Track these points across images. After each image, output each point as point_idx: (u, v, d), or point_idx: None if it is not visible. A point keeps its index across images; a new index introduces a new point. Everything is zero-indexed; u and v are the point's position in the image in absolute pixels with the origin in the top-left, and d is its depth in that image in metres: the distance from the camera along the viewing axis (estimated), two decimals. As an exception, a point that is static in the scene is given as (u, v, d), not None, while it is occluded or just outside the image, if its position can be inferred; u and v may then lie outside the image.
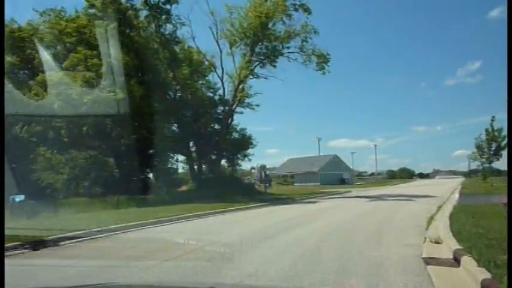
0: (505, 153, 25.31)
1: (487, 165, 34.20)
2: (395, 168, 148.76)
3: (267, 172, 68.53)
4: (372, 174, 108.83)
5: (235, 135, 27.88)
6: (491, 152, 25.61)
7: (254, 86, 28.99)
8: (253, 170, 71.97)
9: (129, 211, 14.16)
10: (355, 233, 8.39)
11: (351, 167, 79.33)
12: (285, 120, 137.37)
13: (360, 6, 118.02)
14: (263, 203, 18.43)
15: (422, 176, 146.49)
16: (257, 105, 27.82)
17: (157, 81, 24.07)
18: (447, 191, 28.29)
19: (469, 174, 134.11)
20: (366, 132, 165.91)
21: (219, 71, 26.51)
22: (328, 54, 24.55)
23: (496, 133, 24.94)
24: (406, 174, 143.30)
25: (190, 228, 10.58)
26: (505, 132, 24.82)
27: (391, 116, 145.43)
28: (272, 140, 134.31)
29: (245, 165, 51.41)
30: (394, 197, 22.10)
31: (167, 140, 24.96)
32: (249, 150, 28.89)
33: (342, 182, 64.41)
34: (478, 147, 26.31)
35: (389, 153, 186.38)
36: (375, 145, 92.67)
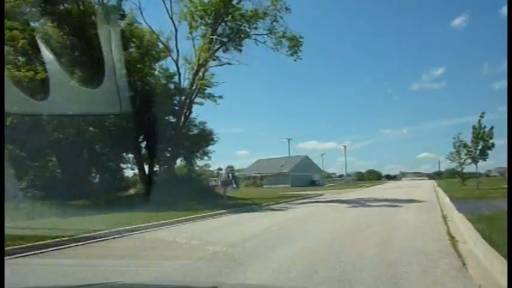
0: (491, 153, 22.89)
1: (465, 166, 32.13)
2: (363, 170, 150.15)
3: (235, 173, 64.99)
4: (341, 176, 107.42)
5: (194, 130, 23.82)
6: (477, 152, 23.08)
7: (219, 78, 25.22)
8: (220, 171, 68.20)
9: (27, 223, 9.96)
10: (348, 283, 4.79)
11: (322, 169, 77.02)
12: (255, 122, 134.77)
13: (330, 12, 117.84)
14: (222, 211, 14.65)
15: (389, 177, 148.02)
16: (220, 97, 23.96)
17: (99, 64, 19.83)
18: (428, 194, 25.59)
19: (433, 176, 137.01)
20: (335, 134, 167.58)
21: (175, 55, 22.50)
22: (301, 37, 21.13)
23: (484, 131, 22.42)
24: (373, 176, 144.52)
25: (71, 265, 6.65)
26: (494, 130, 22.42)
27: (359, 119, 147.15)
28: (242, 141, 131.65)
29: (209, 164, 47.49)
30: (374, 201, 18.93)
31: (110, 134, 20.66)
32: (210, 147, 24.83)
33: (313, 183, 61.62)
34: (463, 146, 23.68)
35: (356, 155, 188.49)
36: (345, 146, 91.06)
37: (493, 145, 22.33)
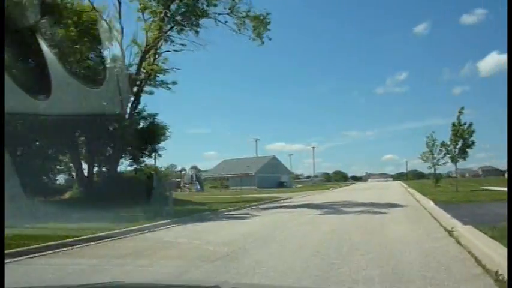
0: (471, 152, 20.98)
1: (438, 166, 30.47)
2: (330, 171, 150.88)
3: (200, 174, 61.34)
4: (309, 177, 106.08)
5: (143, 123, 20.26)
6: (456, 151, 21.09)
7: (179, 73, 21.79)
8: (183, 172, 64.31)
9: None
10: None
11: (290, 170, 74.82)
12: (223, 123, 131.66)
13: (299, 14, 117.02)
14: (165, 221, 11.43)
15: (355, 178, 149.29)
16: (174, 83, 20.55)
17: (27, 43, 16.09)
18: (404, 196, 23.44)
19: (397, 177, 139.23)
20: (302, 136, 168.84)
21: (119, 36, 18.93)
22: (269, 14, 18.14)
23: (463, 128, 20.43)
24: (340, 177, 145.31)
25: None
26: (474, 128, 20.50)
27: (326, 121, 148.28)
28: (210, 142, 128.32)
29: (175, 165, 43.73)
30: (349, 206, 16.30)
31: (41, 128, 16.86)
32: (164, 143, 21.26)
33: (281, 185, 59.14)
34: (442, 144, 21.62)
35: (323, 156, 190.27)
36: (313, 147, 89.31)
37: (473, 143, 20.45)
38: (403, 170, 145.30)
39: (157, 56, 19.91)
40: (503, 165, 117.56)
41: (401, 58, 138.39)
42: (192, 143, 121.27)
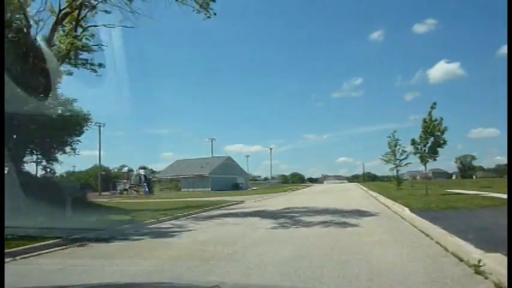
0: (441, 150, 18.87)
1: (401, 167, 28.61)
2: (287, 173, 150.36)
3: (148, 175, 56.41)
4: (266, 178, 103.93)
5: (59, 111, 16.00)
6: (425, 150, 18.89)
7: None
8: (130, 173, 58.95)
9: None
10: None
11: (246, 171, 71.74)
12: (180, 123, 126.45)
13: (257, 15, 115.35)
14: (55, 241, 7.73)
15: (312, 180, 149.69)
16: (100, 65, 16.49)
17: None
18: (368, 200, 21.00)
19: (351, 179, 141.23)
20: (260, 138, 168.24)
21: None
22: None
23: (434, 125, 18.27)
24: (297, 179, 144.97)
25: None
26: (446, 125, 18.38)
27: (284, 123, 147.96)
28: (167, 143, 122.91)
29: (129, 166, 39.14)
30: (311, 214, 13.26)
31: None
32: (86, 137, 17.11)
33: (236, 187, 55.87)
34: (412, 142, 19.29)
35: (281, 158, 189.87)
36: (271, 148, 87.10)
37: (444, 142, 18.33)
38: (357, 172, 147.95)
39: (83, 32, 15.90)
40: (450, 168, 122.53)
41: (357, 64, 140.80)
42: (149, 143, 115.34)
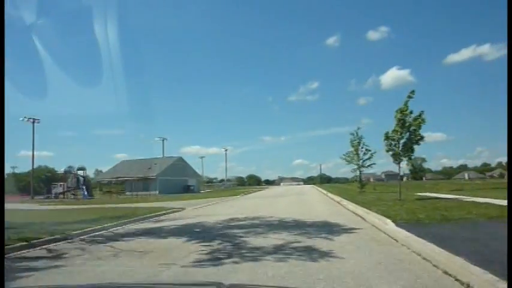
0: (417, 148, 15.78)
1: (364, 168, 25.65)
2: (243, 175, 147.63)
3: (87, 178, 49.90)
4: (222, 180, 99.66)
5: None
6: (398, 147, 15.72)
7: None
8: (67, 174, 52.01)
9: None
10: None
11: (200, 173, 66.93)
12: (136, 124, 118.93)
13: (219, 18, 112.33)
14: None
15: (268, 182, 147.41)
16: None
17: None
18: (333, 207, 17.53)
19: (307, 180, 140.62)
20: (218, 140, 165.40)
21: None
22: None
23: (412, 118, 15.14)
24: (253, 181, 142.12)
25: None
26: (424, 118, 15.22)
27: (242, 125, 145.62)
28: (122, 144, 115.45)
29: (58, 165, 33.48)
30: (261, 230, 9.33)
31: None
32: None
33: (187, 189, 51.08)
34: (386, 137, 15.95)
35: (238, 160, 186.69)
36: (226, 149, 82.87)
37: (421, 138, 15.27)
38: (312, 174, 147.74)
39: None
40: (402, 170, 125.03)
41: (313, 68, 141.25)
42: (102, 144, 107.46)
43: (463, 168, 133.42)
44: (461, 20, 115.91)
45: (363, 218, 11.40)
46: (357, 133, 25.00)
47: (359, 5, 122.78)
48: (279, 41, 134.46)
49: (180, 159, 55.51)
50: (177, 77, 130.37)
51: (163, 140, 59.96)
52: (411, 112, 15.24)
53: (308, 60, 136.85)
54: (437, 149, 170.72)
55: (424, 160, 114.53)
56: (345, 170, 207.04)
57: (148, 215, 14.49)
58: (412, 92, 15.16)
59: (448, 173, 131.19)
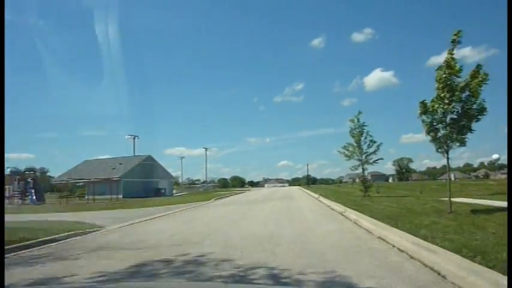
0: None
1: (368, 165, 19.31)
2: (228, 177, 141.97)
3: (36, 180, 41.96)
4: (204, 182, 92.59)
5: None
6: (445, 122, 9.41)
7: None
8: (13, 176, 43.93)
9: None
10: None
11: (179, 174, 59.70)
12: (120, 125, 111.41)
13: (204, 19, 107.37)
14: None
15: (253, 184, 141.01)
16: None
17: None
18: (342, 225, 11.01)
19: (292, 182, 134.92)
20: (203, 141, 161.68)
21: None
22: None
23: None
24: (237, 182, 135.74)
25: None
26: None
27: (226, 127, 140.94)
28: (104, 145, 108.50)
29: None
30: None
31: None
32: None
33: (157, 193, 43.95)
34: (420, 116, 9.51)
35: (223, 162, 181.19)
36: (206, 149, 76.00)
37: (484, 109, 9.01)
38: (297, 175, 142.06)
39: None
40: (386, 171, 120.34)
41: (299, 69, 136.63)
42: (86, 146, 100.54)
43: (446, 168, 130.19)
44: (443, 23, 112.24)
45: (425, 265, 4.92)
46: (358, 119, 18.71)
47: (344, 6, 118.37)
48: (264, 42, 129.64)
49: (149, 158, 48.04)
50: (161, 78, 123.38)
51: (134, 138, 52.64)
52: (461, 69, 8.95)
53: (293, 61, 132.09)
54: (419, 150, 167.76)
55: (410, 160, 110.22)
56: (330, 171, 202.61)
57: (55, 238, 7.73)
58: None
59: (432, 173, 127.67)
